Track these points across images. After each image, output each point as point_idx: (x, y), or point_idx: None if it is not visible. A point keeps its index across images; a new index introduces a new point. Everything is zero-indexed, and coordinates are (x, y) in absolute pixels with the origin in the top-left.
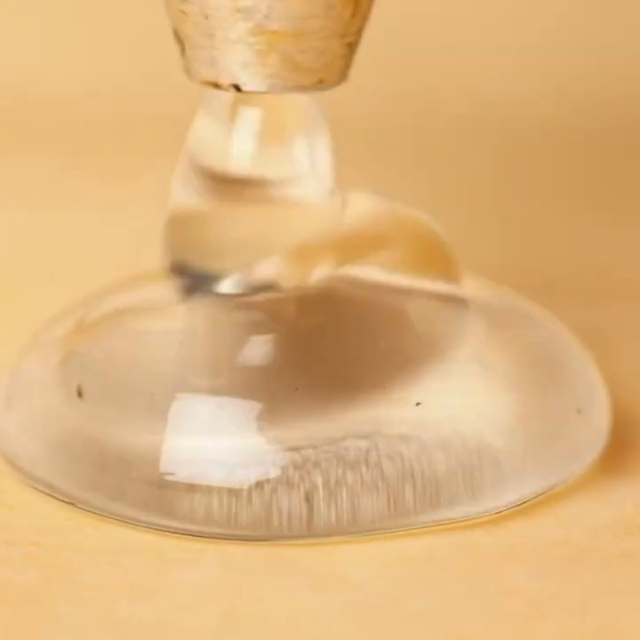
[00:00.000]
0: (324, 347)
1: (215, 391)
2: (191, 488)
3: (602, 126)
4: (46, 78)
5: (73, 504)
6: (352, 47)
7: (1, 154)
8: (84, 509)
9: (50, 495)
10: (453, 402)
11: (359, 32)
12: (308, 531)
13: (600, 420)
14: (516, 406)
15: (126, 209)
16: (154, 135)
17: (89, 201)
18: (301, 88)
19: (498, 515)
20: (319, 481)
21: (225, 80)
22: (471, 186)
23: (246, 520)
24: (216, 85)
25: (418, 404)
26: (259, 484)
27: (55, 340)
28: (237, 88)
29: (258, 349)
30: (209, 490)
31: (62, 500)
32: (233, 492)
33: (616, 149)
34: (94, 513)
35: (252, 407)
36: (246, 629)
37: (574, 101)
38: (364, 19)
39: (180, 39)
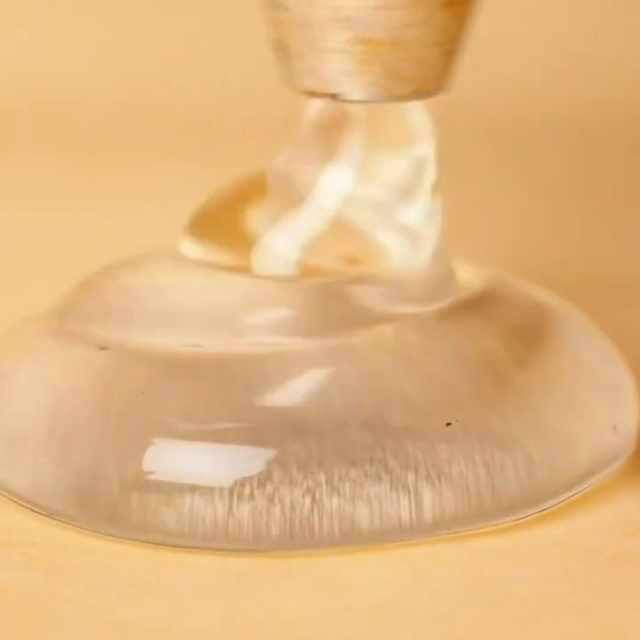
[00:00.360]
0: (348, 384)
1: (210, 437)
2: (192, 489)
3: (604, 126)
4: (46, 78)
5: (54, 518)
6: (452, 56)
7: (1, 154)
8: (67, 523)
9: (28, 508)
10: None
11: (461, 41)
12: (311, 533)
13: (630, 433)
14: (550, 415)
15: (126, 209)
16: (154, 135)
17: (89, 201)
18: (400, 97)
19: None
20: (322, 479)
21: (325, 89)
22: (472, 186)
23: (247, 516)
24: (315, 94)
25: (448, 424)
26: (260, 483)
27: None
28: (337, 97)
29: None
30: (210, 491)
31: (41, 513)
32: (234, 492)
33: (618, 149)
34: (82, 528)
35: (259, 454)
36: (247, 633)
37: (576, 101)
38: (465, 27)
39: (278, 48)
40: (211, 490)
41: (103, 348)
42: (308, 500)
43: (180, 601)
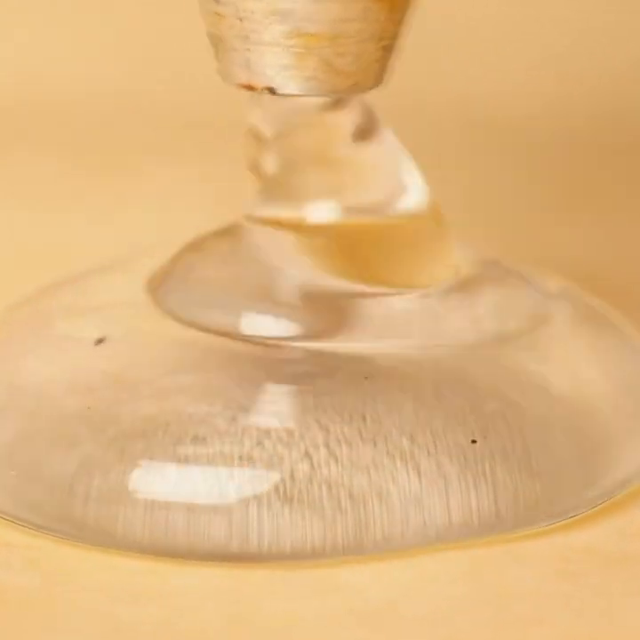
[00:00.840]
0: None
1: (206, 460)
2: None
3: (604, 125)
4: (46, 78)
5: (42, 532)
6: (389, 51)
7: (1, 154)
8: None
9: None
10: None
11: (397, 36)
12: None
13: None
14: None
15: (126, 209)
16: (154, 135)
17: (89, 201)
18: (337, 91)
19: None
20: (319, 438)
21: (259, 83)
22: (471, 186)
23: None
24: (250, 88)
25: (473, 441)
26: (259, 441)
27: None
28: (272, 91)
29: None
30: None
31: (20, 525)
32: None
33: (619, 149)
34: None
35: (266, 477)
36: (247, 636)
37: (574, 101)
38: (402, 23)
39: (214, 42)
40: (212, 507)
41: (100, 341)
42: (306, 464)
43: (178, 603)
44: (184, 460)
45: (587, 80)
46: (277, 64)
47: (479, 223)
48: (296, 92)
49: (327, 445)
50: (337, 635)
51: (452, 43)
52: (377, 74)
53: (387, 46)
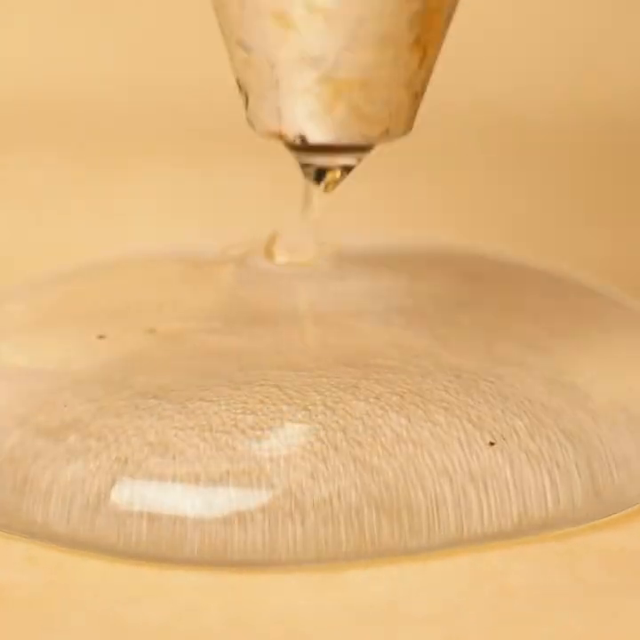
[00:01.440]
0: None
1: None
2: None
3: (604, 125)
4: (46, 78)
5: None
6: (418, 97)
7: (1, 154)
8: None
9: None
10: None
11: (425, 83)
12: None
13: None
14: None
15: (126, 209)
16: (154, 135)
17: (89, 201)
18: (367, 138)
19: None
20: (317, 400)
21: (290, 131)
22: (470, 187)
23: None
24: (281, 137)
25: (492, 443)
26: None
27: None
28: (303, 140)
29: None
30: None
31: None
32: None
33: (620, 149)
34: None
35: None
36: (247, 633)
37: (575, 102)
38: (430, 69)
39: (243, 89)
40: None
41: (101, 337)
42: (303, 414)
43: (179, 601)
44: (192, 412)
45: (590, 77)
46: (308, 111)
47: (478, 222)
48: (327, 141)
49: (324, 403)
50: (338, 634)
51: (464, 44)
52: (407, 120)
53: (416, 93)
